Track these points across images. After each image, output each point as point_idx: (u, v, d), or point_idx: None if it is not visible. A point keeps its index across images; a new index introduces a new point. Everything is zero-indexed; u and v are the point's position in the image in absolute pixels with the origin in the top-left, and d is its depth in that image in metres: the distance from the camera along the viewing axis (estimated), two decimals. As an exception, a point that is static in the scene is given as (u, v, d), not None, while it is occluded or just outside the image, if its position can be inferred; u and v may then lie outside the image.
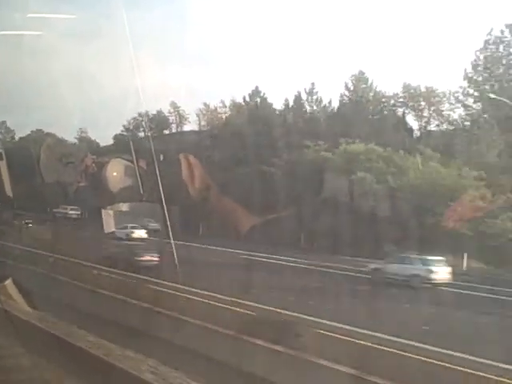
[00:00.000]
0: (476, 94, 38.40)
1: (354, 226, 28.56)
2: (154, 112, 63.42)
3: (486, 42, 38.43)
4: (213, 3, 68.45)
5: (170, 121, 68.44)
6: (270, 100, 47.71)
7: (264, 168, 36.76)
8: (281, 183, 35.13)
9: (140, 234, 34.50)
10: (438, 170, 30.24)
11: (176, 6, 70.23)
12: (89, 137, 68.20)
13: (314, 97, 43.63)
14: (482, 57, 38.69)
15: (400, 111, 46.75)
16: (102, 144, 66.45)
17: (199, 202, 40.40)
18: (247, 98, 49.15)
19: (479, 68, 38.87)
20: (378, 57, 61.33)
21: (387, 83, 46.71)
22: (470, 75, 38.81)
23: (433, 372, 9.52)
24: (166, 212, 23.56)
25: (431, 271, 20.70)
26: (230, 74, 73.62)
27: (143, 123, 67.33)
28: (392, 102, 46.12)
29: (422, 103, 45.99)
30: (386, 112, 42.42)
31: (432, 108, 44.59)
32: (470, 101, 39.06)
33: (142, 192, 40.87)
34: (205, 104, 56.31)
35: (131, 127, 65.95)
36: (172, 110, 65.61)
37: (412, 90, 46.49)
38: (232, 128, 47.19)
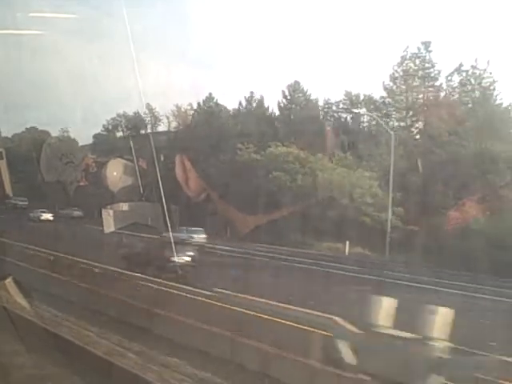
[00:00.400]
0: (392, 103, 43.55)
1: (267, 218, 33.80)
2: (131, 114, 68.35)
3: (403, 57, 43.54)
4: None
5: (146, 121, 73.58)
6: (225, 105, 52.94)
7: (203, 166, 41.85)
8: (217, 181, 40.41)
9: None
10: (340, 172, 35.28)
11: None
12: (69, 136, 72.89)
13: (254, 104, 48.63)
14: (400, 70, 43.73)
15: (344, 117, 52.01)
16: (81, 143, 71.55)
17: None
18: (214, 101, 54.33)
19: (397, 80, 43.87)
20: (323, 64, 65.82)
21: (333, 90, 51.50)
22: (388, 86, 43.88)
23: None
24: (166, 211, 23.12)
25: (192, 237, 28.38)
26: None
27: (122, 123, 73.12)
28: (334, 108, 51.30)
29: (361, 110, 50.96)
30: (321, 117, 47.19)
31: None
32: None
33: (141, 191, 40.93)
34: (176, 106, 60.92)
35: (110, 127, 71.09)
36: (147, 112, 70.38)
37: (354, 97, 51.45)
38: (188, 130, 52.56)
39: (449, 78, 44.38)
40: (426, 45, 43.71)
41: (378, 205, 33.06)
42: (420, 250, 28.24)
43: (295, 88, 46.90)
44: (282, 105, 47.25)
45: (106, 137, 67.81)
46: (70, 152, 61.17)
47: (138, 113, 66.67)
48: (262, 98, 48.99)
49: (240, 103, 49.44)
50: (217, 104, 53.00)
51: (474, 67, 44.06)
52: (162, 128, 69.06)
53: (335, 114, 50.39)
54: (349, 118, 49.80)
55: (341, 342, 8.25)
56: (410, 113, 43.81)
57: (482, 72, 44.09)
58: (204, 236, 30.70)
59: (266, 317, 9.88)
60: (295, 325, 9.21)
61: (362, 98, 49.49)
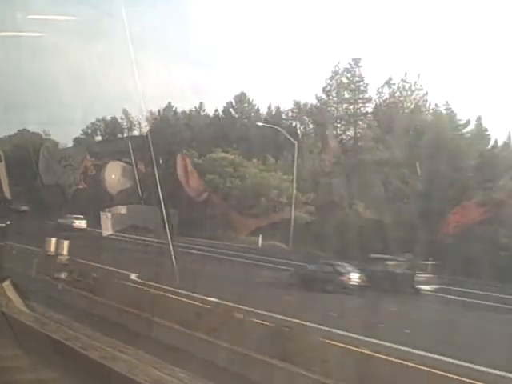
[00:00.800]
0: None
1: (201, 216, 38.91)
2: (109, 118, 71.86)
3: (334, 72, 48.59)
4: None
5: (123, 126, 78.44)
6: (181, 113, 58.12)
7: (151, 171, 46.86)
8: (162, 183, 45.37)
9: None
10: (264, 175, 40.38)
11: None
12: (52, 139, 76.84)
13: (203, 113, 53.96)
14: (332, 82, 48.77)
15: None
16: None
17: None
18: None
19: (330, 92, 48.89)
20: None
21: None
22: (320, 97, 49.02)
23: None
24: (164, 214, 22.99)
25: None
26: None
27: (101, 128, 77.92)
28: (284, 116, 56.22)
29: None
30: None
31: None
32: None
33: (140, 194, 40.35)
34: (150, 111, 65.66)
35: (89, 131, 73.72)
36: (124, 117, 75.04)
37: (302, 106, 56.40)
38: (151, 135, 57.64)
39: (380, 90, 49.65)
40: (356, 61, 48.89)
41: (289, 204, 37.98)
42: (318, 241, 33.30)
43: (241, 98, 51.98)
44: (229, 114, 52.35)
45: (85, 140, 70.85)
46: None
47: (116, 118, 71.04)
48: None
49: (190, 112, 54.35)
50: (175, 112, 58.29)
51: (404, 80, 49.27)
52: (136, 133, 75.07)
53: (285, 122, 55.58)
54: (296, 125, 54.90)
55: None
56: (341, 122, 48.84)
57: (412, 85, 49.27)
58: (84, 222, 37.50)
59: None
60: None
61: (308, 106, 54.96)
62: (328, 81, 48.55)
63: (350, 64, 48.62)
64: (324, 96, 48.86)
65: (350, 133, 49.05)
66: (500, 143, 41.01)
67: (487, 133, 42.13)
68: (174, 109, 57.70)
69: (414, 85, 48.86)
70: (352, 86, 48.86)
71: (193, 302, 14.28)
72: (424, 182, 34.40)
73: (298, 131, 49.09)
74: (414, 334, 13.86)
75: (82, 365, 7.82)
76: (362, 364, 10.31)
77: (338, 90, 48.56)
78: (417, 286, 21.99)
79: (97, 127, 73.23)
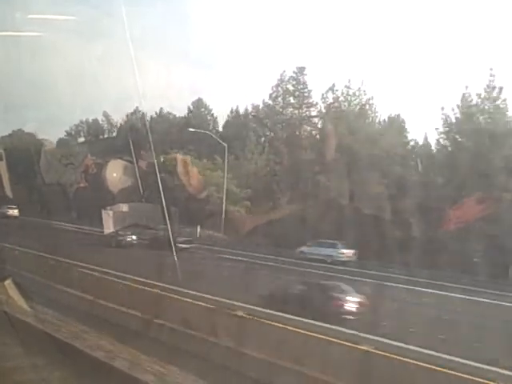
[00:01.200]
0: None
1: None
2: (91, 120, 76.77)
3: (280, 79, 53.51)
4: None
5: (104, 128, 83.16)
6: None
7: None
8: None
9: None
10: (208, 173, 45.35)
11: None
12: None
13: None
14: (279, 89, 53.68)
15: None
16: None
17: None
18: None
19: (276, 98, 53.84)
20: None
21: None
22: (266, 103, 54.02)
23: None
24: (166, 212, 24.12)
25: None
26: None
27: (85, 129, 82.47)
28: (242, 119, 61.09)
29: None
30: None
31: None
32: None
33: (141, 192, 43.73)
34: (127, 114, 70.15)
35: (73, 133, 78.80)
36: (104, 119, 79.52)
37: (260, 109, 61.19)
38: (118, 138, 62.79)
39: (324, 95, 54.48)
40: (301, 69, 53.80)
41: (229, 199, 42.85)
42: (244, 231, 38.32)
43: (198, 104, 56.98)
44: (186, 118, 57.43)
45: (68, 141, 74.39)
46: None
47: (97, 120, 76.48)
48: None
49: (151, 117, 59.40)
50: (142, 116, 63.43)
51: (347, 87, 54.10)
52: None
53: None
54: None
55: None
56: (284, 125, 53.75)
57: (356, 91, 54.08)
58: (17, 211, 46.09)
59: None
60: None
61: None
62: (274, 88, 53.60)
63: (295, 72, 53.71)
64: (270, 102, 53.75)
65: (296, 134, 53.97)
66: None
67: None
68: (140, 113, 62.88)
69: (358, 90, 53.84)
70: (297, 92, 53.79)
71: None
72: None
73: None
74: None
75: None
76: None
77: (284, 96, 53.50)
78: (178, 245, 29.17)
79: (80, 129, 78.07)
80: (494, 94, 38.59)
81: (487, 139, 33.47)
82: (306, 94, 53.69)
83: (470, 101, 39.49)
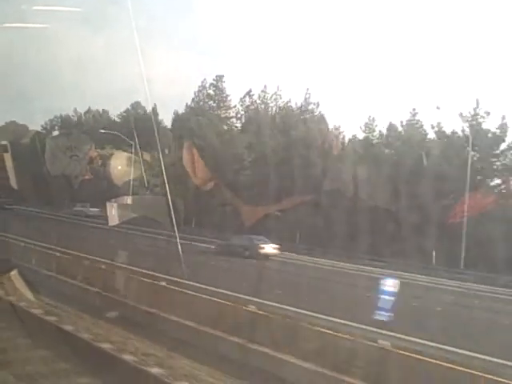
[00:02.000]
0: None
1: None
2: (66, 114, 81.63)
3: (201, 86, 63.69)
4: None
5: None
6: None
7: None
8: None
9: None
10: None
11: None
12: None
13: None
14: (199, 95, 63.87)
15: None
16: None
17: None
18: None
19: (198, 102, 63.96)
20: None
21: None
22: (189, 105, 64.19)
23: None
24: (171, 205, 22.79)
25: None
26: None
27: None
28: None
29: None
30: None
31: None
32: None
33: (146, 185, 45.31)
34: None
35: (48, 127, 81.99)
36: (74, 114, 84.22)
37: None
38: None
39: (242, 99, 64.48)
40: (220, 77, 63.96)
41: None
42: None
43: (135, 106, 67.31)
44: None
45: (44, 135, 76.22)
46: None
47: (68, 115, 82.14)
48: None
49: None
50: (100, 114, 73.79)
51: (264, 91, 64.05)
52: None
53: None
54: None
55: None
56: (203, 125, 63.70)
57: (274, 94, 63.99)
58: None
59: None
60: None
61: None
62: (196, 93, 63.84)
63: (215, 80, 63.92)
64: (193, 105, 63.95)
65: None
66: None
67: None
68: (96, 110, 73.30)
69: (275, 94, 63.69)
70: (216, 97, 63.92)
71: None
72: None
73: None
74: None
75: None
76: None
77: (205, 100, 63.67)
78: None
79: (55, 123, 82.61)
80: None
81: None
82: (224, 98, 63.86)
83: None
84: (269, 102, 64.21)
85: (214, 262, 27.26)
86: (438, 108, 40.21)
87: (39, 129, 75.49)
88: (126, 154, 57.09)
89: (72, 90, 78.74)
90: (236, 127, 63.10)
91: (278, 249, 31.43)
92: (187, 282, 16.61)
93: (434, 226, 33.35)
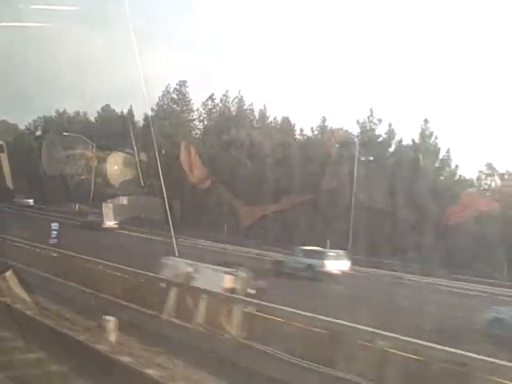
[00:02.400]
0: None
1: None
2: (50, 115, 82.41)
3: (165, 91, 70.18)
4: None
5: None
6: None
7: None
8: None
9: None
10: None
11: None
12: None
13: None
14: (164, 99, 70.39)
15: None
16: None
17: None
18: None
19: (162, 106, 70.48)
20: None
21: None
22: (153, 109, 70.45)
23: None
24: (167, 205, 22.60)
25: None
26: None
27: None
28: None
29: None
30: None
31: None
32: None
33: (142, 185, 43.57)
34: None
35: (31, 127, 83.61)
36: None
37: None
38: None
39: (205, 103, 71.10)
40: (183, 82, 70.57)
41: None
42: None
43: (105, 108, 73.57)
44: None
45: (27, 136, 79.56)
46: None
47: (51, 116, 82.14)
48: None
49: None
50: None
51: (225, 95, 70.63)
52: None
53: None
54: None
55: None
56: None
57: (234, 98, 70.57)
58: None
59: None
60: None
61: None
62: (160, 97, 70.30)
63: (178, 85, 70.49)
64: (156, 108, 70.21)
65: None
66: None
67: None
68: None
69: (236, 98, 70.45)
70: (179, 101, 70.53)
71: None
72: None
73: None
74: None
75: None
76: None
77: (169, 104, 70.27)
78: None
79: (38, 123, 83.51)
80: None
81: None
82: (186, 102, 70.54)
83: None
84: (230, 105, 70.89)
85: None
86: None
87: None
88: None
89: (67, 90, 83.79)
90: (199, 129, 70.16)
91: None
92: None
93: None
